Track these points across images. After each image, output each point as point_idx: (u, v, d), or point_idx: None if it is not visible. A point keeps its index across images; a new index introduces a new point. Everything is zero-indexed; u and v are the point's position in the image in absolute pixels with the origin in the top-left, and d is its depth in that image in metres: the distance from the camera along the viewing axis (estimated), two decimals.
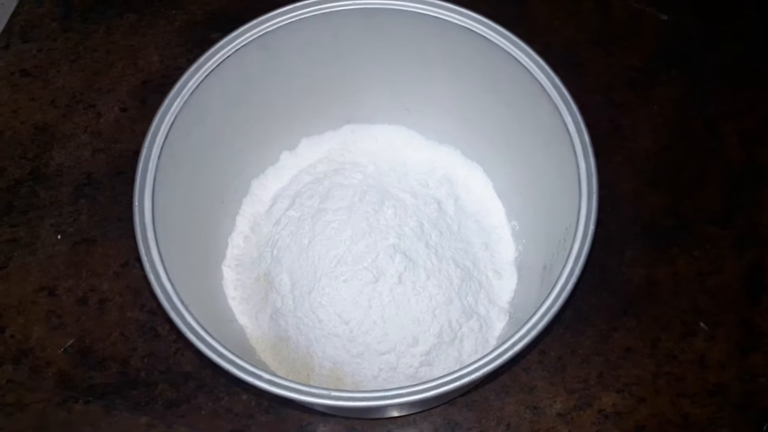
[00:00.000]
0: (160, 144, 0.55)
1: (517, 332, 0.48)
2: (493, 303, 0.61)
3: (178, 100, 0.56)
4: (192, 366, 0.64)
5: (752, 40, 0.78)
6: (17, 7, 0.83)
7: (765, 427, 0.61)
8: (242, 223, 0.66)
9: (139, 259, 0.51)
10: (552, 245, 0.56)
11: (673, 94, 0.75)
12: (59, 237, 0.70)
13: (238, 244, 0.65)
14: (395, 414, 0.61)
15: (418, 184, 0.66)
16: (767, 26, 0.79)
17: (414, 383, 0.47)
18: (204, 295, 0.59)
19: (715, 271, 0.67)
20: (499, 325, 0.61)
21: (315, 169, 0.67)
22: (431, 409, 0.62)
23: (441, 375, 0.48)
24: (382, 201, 0.62)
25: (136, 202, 0.53)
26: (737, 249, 0.68)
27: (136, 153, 0.55)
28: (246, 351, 0.59)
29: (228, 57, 0.58)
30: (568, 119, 0.54)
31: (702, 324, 0.65)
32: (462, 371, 0.47)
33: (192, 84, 0.57)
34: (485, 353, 0.48)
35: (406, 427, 0.62)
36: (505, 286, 0.63)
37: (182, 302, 0.50)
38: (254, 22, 0.59)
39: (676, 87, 0.76)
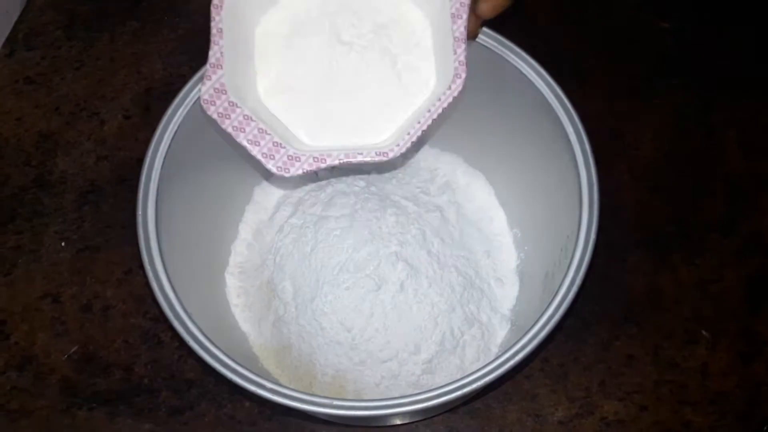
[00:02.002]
0: (164, 152, 0.55)
1: (519, 341, 0.48)
2: (495, 311, 0.62)
3: (182, 108, 0.56)
4: (195, 373, 0.64)
5: (753, 48, 0.78)
6: (21, 14, 0.83)
7: (765, 428, 0.61)
8: (245, 231, 0.66)
9: (142, 267, 0.52)
10: (554, 253, 0.56)
11: (674, 102, 0.75)
12: (63, 244, 0.70)
13: (240, 251, 0.65)
14: (398, 422, 0.61)
15: (420, 191, 0.66)
16: None
17: (416, 391, 0.48)
18: (207, 302, 0.59)
19: (716, 279, 0.67)
20: (501, 332, 0.61)
21: None
22: (433, 417, 0.62)
23: (443, 383, 0.48)
24: (384, 208, 0.62)
25: (139, 211, 0.53)
26: (739, 257, 0.68)
27: (140, 160, 0.55)
28: (249, 359, 0.59)
29: None
30: (570, 128, 0.54)
31: (704, 332, 0.65)
32: (464, 380, 0.47)
33: (195, 92, 0.57)
34: (487, 361, 0.48)
35: None
36: (507, 293, 0.63)
37: (185, 310, 0.50)
38: None
39: (677, 95, 0.76)
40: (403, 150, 0.46)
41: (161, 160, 0.55)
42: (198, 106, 0.56)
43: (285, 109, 0.49)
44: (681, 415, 0.62)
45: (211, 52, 0.46)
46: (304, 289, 0.60)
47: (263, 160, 0.46)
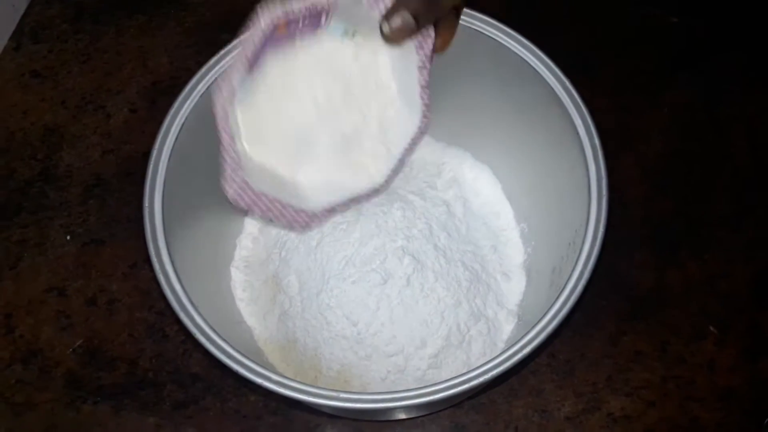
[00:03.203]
0: (170, 145, 0.55)
1: (525, 335, 0.48)
2: (502, 306, 0.61)
3: (188, 101, 0.56)
4: (200, 367, 0.64)
5: (761, 42, 0.78)
6: (28, 8, 0.83)
7: (766, 422, 0.60)
8: (251, 225, 0.66)
9: (148, 260, 0.52)
10: (561, 248, 0.56)
11: (682, 97, 0.75)
12: (68, 238, 0.70)
13: (246, 245, 0.65)
14: (403, 416, 0.61)
15: (426, 186, 0.66)
16: None
17: (422, 385, 0.48)
18: (212, 296, 0.59)
19: (725, 275, 0.66)
20: (507, 327, 0.61)
21: None
22: (439, 411, 0.62)
23: (449, 377, 0.48)
24: (390, 202, 0.62)
25: (146, 204, 0.53)
26: (747, 252, 0.67)
27: (145, 154, 0.55)
28: (254, 353, 0.59)
29: None
30: (578, 122, 0.54)
31: (712, 328, 0.64)
32: (470, 374, 0.47)
33: (202, 86, 0.57)
34: (493, 356, 0.48)
35: (413, 429, 0.62)
36: (514, 288, 0.63)
37: (192, 303, 0.50)
38: None
39: (685, 90, 0.75)
40: (390, 182, 0.54)
41: (168, 154, 0.55)
42: (204, 100, 0.56)
43: (286, 173, 0.53)
44: (688, 410, 0.61)
45: (227, 157, 0.50)
46: (309, 283, 0.60)
47: (288, 227, 0.54)
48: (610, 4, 0.81)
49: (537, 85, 0.56)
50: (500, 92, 0.61)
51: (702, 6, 0.80)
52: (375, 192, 0.54)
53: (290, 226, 0.53)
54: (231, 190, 0.50)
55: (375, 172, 0.54)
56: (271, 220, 0.53)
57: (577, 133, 0.54)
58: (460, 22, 0.57)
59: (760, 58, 0.77)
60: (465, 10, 0.58)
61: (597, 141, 0.53)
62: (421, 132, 0.53)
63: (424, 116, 0.52)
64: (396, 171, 0.54)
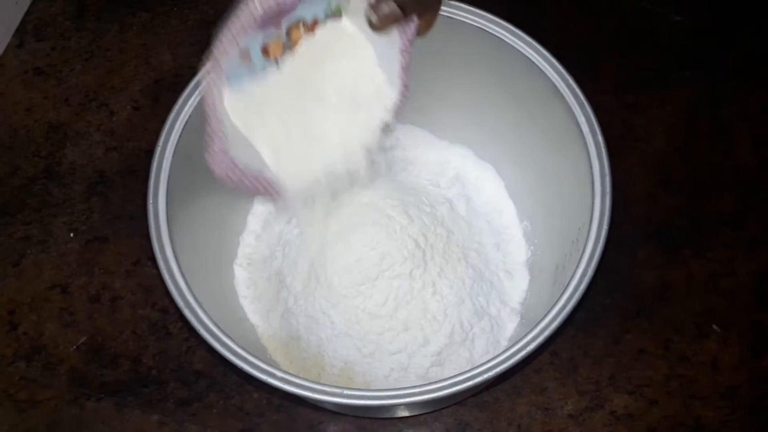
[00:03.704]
0: (174, 142, 0.55)
1: (528, 333, 0.48)
2: (505, 304, 0.61)
3: (192, 98, 0.56)
4: (203, 364, 0.64)
5: (765, 41, 0.78)
6: (31, 5, 0.83)
7: None
8: (254, 222, 0.66)
9: (151, 258, 0.52)
10: (565, 245, 0.56)
11: (686, 96, 0.75)
12: (72, 235, 0.70)
13: (249, 242, 0.65)
14: (406, 414, 0.61)
15: (429, 184, 0.66)
16: None
17: (425, 383, 0.48)
18: (216, 293, 0.59)
19: (727, 273, 0.66)
20: (510, 325, 0.61)
21: None
22: (442, 409, 0.62)
23: (452, 375, 0.48)
24: (393, 200, 0.62)
25: (150, 200, 0.53)
26: (750, 251, 0.67)
27: (149, 152, 0.55)
28: (257, 350, 0.59)
29: None
30: (582, 120, 0.54)
31: (714, 326, 0.64)
32: (473, 371, 0.47)
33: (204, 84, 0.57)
34: (496, 354, 0.48)
35: (416, 427, 0.62)
36: (517, 286, 0.63)
37: (196, 300, 0.50)
38: None
39: (689, 88, 0.75)
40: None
41: (171, 151, 0.55)
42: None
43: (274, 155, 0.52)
44: (691, 409, 0.61)
45: (208, 128, 0.48)
46: (312, 280, 0.60)
47: (265, 198, 0.53)
48: (614, 1, 0.81)
49: (540, 83, 0.56)
50: (503, 90, 0.61)
51: (705, 4, 0.80)
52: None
53: (268, 196, 0.53)
54: (210, 159, 0.50)
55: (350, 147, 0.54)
56: (246, 192, 0.53)
57: (581, 131, 0.54)
58: (463, 20, 0.58)
59: (763, 57, 0.77)
60: (468, 7, 0.58)
61: (600, 139, 0.53)
62: (397, 109, 0.53)
63: (402, 95, 0.52)
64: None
